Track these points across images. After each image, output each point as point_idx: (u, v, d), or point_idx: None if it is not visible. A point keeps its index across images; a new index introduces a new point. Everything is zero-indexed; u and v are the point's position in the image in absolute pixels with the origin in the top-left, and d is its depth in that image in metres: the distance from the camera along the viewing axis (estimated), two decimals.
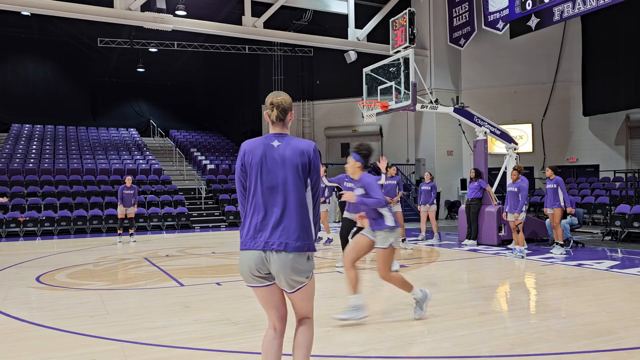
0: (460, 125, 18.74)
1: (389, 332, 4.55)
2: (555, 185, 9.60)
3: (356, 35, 18.98)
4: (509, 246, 10.44)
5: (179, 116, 29.85)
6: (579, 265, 8.33)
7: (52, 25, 24.14)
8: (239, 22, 17.25)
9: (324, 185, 11.12)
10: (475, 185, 11.32)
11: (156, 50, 24.68)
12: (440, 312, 5.30)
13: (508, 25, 15.64)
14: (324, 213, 11.70)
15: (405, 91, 11.31)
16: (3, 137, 23.29)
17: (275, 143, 2.86)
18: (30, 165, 19.38)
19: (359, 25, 19.16)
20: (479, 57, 19.94)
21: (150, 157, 22.25)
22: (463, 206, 11.82)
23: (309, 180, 2.87)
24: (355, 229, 8.09)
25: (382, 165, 7.41)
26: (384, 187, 10.59)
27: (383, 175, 8.27)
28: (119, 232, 12.92)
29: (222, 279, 7.41)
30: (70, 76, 27.58)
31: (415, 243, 11.76)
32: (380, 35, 18.56)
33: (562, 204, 9.60)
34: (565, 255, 9.35)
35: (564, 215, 10.13)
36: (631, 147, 18.76)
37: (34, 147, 21.92)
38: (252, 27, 17.21)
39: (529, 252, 9.72)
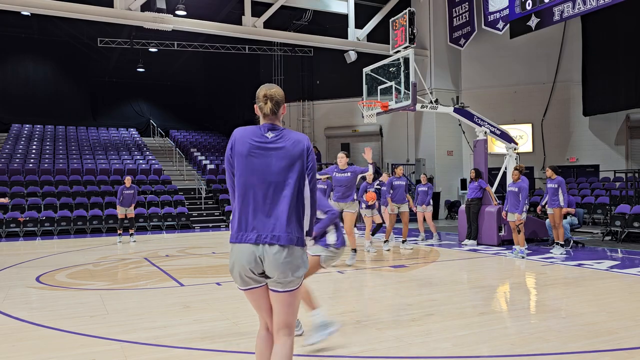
0: (460, 125, 18.74)
1: (389, 332, 4.55)
2: (556, 185, 9.60)
3: (356, 35, 18.98)
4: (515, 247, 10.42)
5: (179, 116, 29.85)
6: (579, 265, 8.33)
7: (52, 25, 24.14)
8: (239, 22, 17.25)
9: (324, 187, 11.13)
10: (475, 185, 11.33)
11: (156, 50, 24.68)
12: (440, 312, 5.30)
13: (508, 25, 15.64)
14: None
15: (405, 91, 11.31)
16: (3, 137, 23.28)
17: (269, 134, 2.75)
18: (30, 165, 19.38)
19: (359, 25, 19.16)
20: (479, 57, 19.94)
21: (150, 157, 22.25)
22: (463, 206, 11.82)
23: (305, 174, 2.75)
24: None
25: (367, 155, 8.06)
26: (395, 188, 10.63)
27: (370, 166, 8.75)
28: (119, 232, 12.92)
29: (222, 279, 7.41)
30: (70, 76, 27.57)
31: (416, 243, 11.76)
32: (380, 35, 18.56)
33: (562, 204, 9.60)
34: (565, 255, 9.35)
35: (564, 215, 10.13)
36: (631, 147, 18.76)
37: (34, 147, 21.92)
38: (252, 27, 17.20)
39: (529, 252, 9.72)
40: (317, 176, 7.37)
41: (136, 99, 29.27)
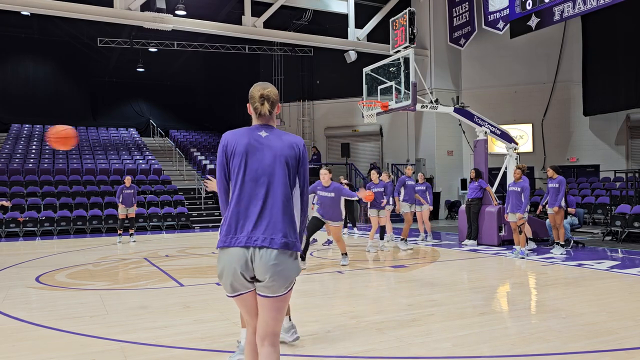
0: (460, 125, 18.72)
1: (389, 332, 4.54)
2: (557, 185, 9.59)
3: (356, 35, 18.97)
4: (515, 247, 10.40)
5: (178, 116, 29.83)
6: (579, 265, 8.33)
7: (52, 25, 24.13)
8: (239, 22, 17.24)
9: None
10: (475, 185, 11.32)
11: (156, 50, 24.66)
12: (441, 312, 5.30)
13: (508, 25, 15.63)
14: None
15: (406, 91, 11.30)
16: (3, 137, 23.27)
17: (263, 133, 2.67)
18: (30, 165, 19.37)
19: (359, 25, 19.15)
20: (479, 57, 19.93)
21: (150, 157, 22.24)
22: (463, 206, 11.81)
23: (297, 177, 2.69)
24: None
25: (361, 194, 7.72)
26: (407, 187, 10.67)
27: (360, 192, 8.27)
28: (119, 232, 12.91)
29: None
30: (70, 76, 27.56)
31: (416, 243, 11.75)
32: (380, 35, 18.54)
33: (562, 204, 9.60)
34: (565, 256, 9.34)
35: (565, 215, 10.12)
36: (631, 147, 18.75)
37: (34, 147, 21.91)
38: (252, 27, 17.20)
39: (529, 251, 9.72)
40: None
41: (136, 99, 29.25)
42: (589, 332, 4.48)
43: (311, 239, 11.90)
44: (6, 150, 20.86)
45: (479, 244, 11.13)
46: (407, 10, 12.00)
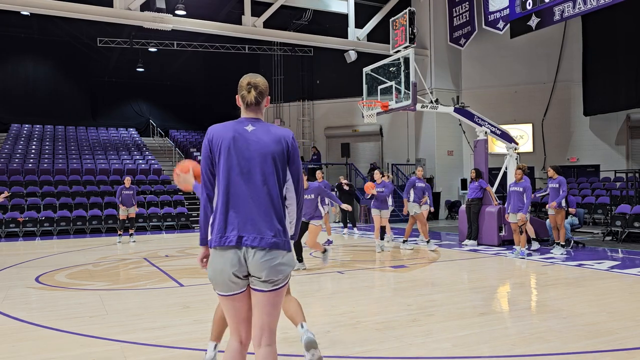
0: (460, 125, 18.71)
1: (389, 333, 4.54)
2: (557, 185, 9.59)
3: (356, 35, 18.96)
4: (515, 247, 10.41)
5: (178, 116, 29.81)
6: (579, 265, 8.32)
7: (52, 25, 24.11)
8: (239, 22, 17.24)
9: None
10: (475, 185, 11.30)
11: (156, 50, 24.66)
12: (441, 312, 5.29)
13: (508, 25, 15.62)
14: (325, 215, 11.66)
15: (406, 91, 11.30)
16: (2, 137, 23.25)
17: (249, 127, 2.57)
18: (30, 165, 19.37)
19: (359, 24, 19.15)
20: (480, 56, 19.93)
21: (149, 157, 22.23)
22: (463, 206, 11.80)
23: (288, 172, 2.61)
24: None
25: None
26: (416, 189, 10.60)
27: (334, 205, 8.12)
28: (119, 232, 12.90)
29: None
30: (70, 76, 27.54)
31: (416, 243, 11.74)
32: (380, 34, 18.54)
33: (563, 204, 9.59)
34: (565, 256, 9.34)
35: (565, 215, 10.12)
36: (632, 147, 18.75)
37: (34, 147, 21.90)
38: (252, 27, 17.19)
39: (529, 252, 9.71)
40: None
41: (136, 99, 29.23)
42: (589, 332, 4.47)
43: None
44: (6, 150, 20.85)
45: (479, 244, 11.13)
46: (407, 10, 12.00)
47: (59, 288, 6.98)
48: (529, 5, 14.14)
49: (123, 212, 12.80)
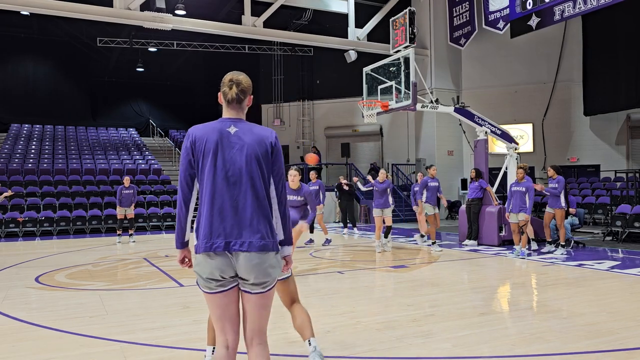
0: (460, 125, 18.66)
1: (389, 333, 4.53)
2: (556, 185, 9.58)
3: (356, 35, 18.95)
4: (515, 247, 10.41)
5: (178, 116, 29.80)
6: (579, 265, 8.32)
7: (52, 25, 24.11)
8: (239, 22, 17.23)
9: (317, 188, 11.05)
10: (475, 185, 11.30)
11: (156, 50, 24.66)
12: (441, 312, 5.28)
13: (509, 24, 15.62)
14: (319, 215, 11.63)
15: (406, 91, 11.29)
16: (2, 137, 23.25)
17: (232, 129, 2.51)
18: (30, 165, 19.36)
19: (359, 24, 19.14)
20: (480, 56, 19.92)
21: (149, 157, 22.22)
22: (463, 206, 11.79)
23: (271, 173, 2.57)
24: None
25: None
26: (429, 189, 10.54)
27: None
28: (118, 232, 12.90)
29: None
30: (70, 76, 27.54)
31: (416, 243, 11.74)
32: (380, 34, 18.53)
33: (563, 204, 9.58)
34: (566, 256, 9.33)
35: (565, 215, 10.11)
36: (632, 147, 18.74)
37: (33, 147, 21.90)
38: (252, 27, 17.18)
39: (529, 252, 9.71)
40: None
41: (136, 99, 29.24)
42: (589, 333, 4.47)
43: (308, 240, 11.89)
44: (5, 150, 20.85)
45: (479, 244, 11.12)
46: (407, 10, 11.99)
47: (59, 288, 6.98)
48: (529, 5, 14.13)
49: (121, 212, 12.80)
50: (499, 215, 10.82)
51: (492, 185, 11.82)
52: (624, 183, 15.42)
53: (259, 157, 2.52)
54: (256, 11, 17.46)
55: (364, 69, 12.89)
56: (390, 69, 11.88)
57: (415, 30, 11.82)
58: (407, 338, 4.37)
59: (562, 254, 9.47)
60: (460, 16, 19.12)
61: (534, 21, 14.07)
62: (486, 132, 11.77)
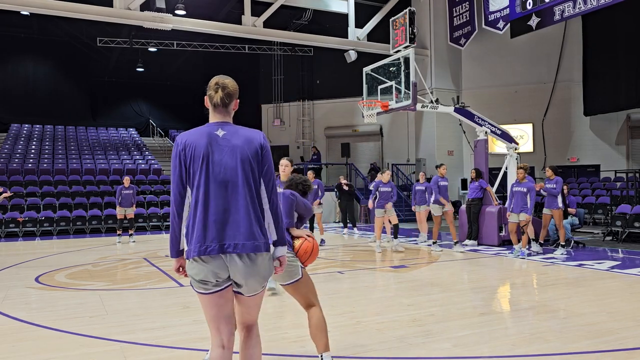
0: (460, 125, 18.67)
1: (389, 333, 4.53)
2: (554, 186, 9.58)
3: (356, 35, 18.96)
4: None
5: (178, 116, 29.79)
6: (579, 265, 8.32)
7: (52, 25, 24.11)
8: (239, 22, 17.23)
9: (315, 187, 11.04)
10: (475, 185, 11.29)
11: (156, 50, 24.65)
12: (441, 312, 5.28)
13: (509, 24, 15.62)
14: (318, 214, 11.62)
15: (406, 91, 11.29)
16: (2, 137, 23.24)
17: (220, 132, 2.53)
18: (30, 165, 19.36)
19: (359, 24, 19.14)
20: (480, 56, 19.92)
21: (149, 157, 22.22)
22: (463, 206, 11.79)
23: (261, 174, 2.58)
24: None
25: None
26: (440, 189, 10.49)
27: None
28: (118, 232, 12.90)
29: None
30: (70, 76, 27.54)
31: (416, 243, 11.74)
32: (380, 34, 18.53)
33: (560, 205, 9.58)
34: (566, 256, 9.33)
35: (565, 215, 10.12)
36: (632, 147, 18.75)
37: (33, 147, 21.89)
38: (252, 27, 17.18)
39: (529, 252, 9.71)
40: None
41: (136, 99, 29.23)
42: (589, 333, 4.47)
43: None
44: (5, 150, 20.84)
45: (479, 244, 11.12)
46: (407, 10, 11.99)
47: (59, 288, 6.98)
48: (529, 5, 14.13)
49: (121, 212, 12.80)
50: (499, 216, 10.81)
51: (492, 186, 11.82)
52: (624, 183, 15.42)
53: (249, 158, 2.53)
54: (256, 11, 17.47)
55: (364, 69, 12.89)
56: (390, 69, 11.88)
57: (415, 30, 11.82)
58: (407, 338, 4.37)
59: (562, 254, 9.47)
60: (460, 16, 19.13)
61: (534, 21, 14.07)
62: (486, 132, 11.77)
